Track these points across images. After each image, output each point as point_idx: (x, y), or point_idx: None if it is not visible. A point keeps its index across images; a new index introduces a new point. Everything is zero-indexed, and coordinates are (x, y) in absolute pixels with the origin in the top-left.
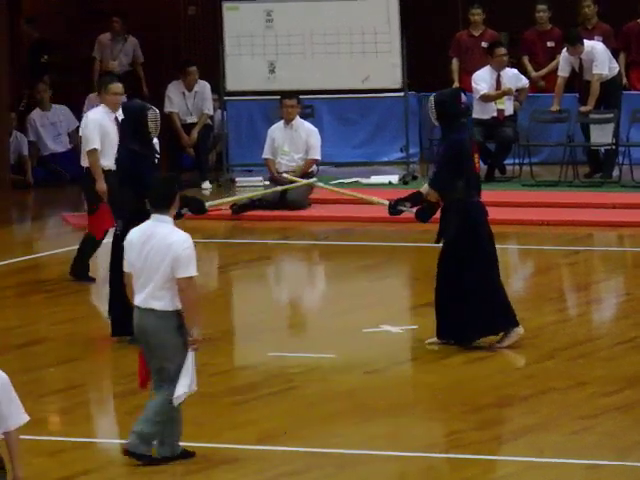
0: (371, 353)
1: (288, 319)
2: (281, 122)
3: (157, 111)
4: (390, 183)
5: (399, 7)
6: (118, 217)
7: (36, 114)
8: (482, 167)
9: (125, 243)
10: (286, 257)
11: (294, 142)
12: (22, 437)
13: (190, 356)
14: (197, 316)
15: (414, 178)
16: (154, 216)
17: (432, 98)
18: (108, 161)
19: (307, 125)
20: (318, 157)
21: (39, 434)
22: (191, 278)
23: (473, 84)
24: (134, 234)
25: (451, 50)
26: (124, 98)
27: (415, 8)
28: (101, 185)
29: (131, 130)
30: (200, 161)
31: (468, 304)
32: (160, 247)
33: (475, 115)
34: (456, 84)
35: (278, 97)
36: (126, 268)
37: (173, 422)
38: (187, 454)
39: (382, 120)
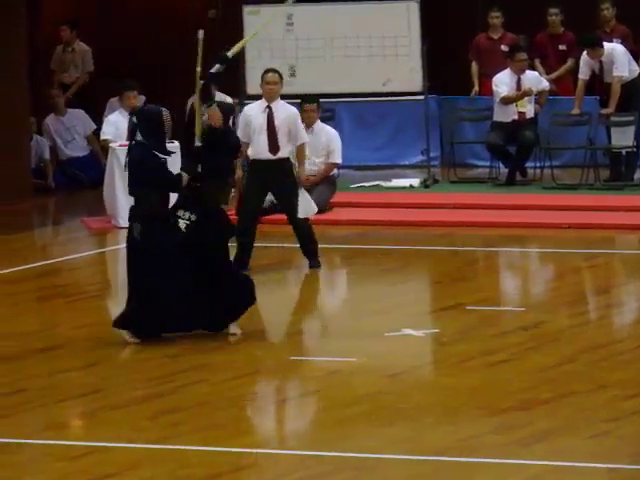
0: (393, 357)
1: (309, 323)
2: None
3: (168, 112)
4: (411, 186)
5: (419, 10)
6: (136, 220)
7: (51, 119)
8: (503, 170)
9: None
10: (306, 261)
11: (315, 146)
12: (43, 441)
13: None
14: None
15: (435, 181)
16: None
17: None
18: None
19: (327, 129)
20: (339, 161)
21: (59, 439)
22: None
23: (493, 87)
24: None
25: (470, 53)
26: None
27: (435, 11)
28: None
29: (148, 131)
30: None
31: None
32: None
33: (496, 118)
34: (476, 87)
35: (298, 101)
36: None
37: None
38: None
39: (402, 123)
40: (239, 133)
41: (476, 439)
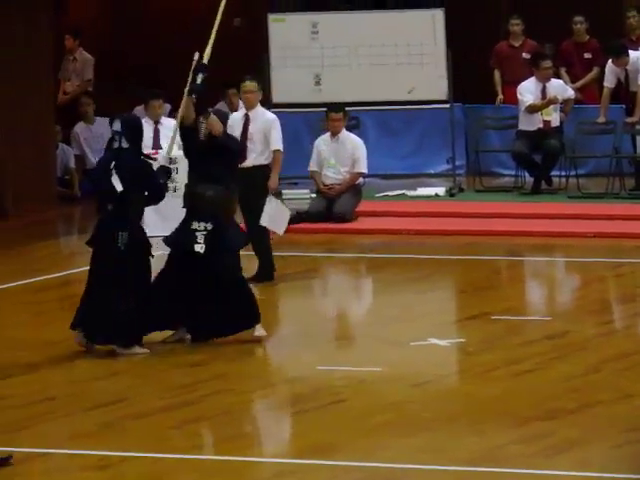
0: (418, 366)
1: (335, 332)
2: (327, 134)
3: None
4: (437, 195)
5: (444, 18)
6: (122, 229)
7: (80, 127)
8: (528, 179)
9: None
10: (332, 270)
11: (340, 155)
12: (68, 451)
13: None
14: None
15: (461, 190)
16: None
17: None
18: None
19: (353, 138)
20: (364, 170)
21: (84, 448)
22: None
23: (518, 95)
24: None
25: (492, 61)
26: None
27: (460, 19)
28: None
29: (133, 138)
30: None
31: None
32: None
33: (521, 127)
34: (500, 96)
35: (324, 109)
36: None
37: None
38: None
39: (428, 132)
40: None
41: (501, 449)
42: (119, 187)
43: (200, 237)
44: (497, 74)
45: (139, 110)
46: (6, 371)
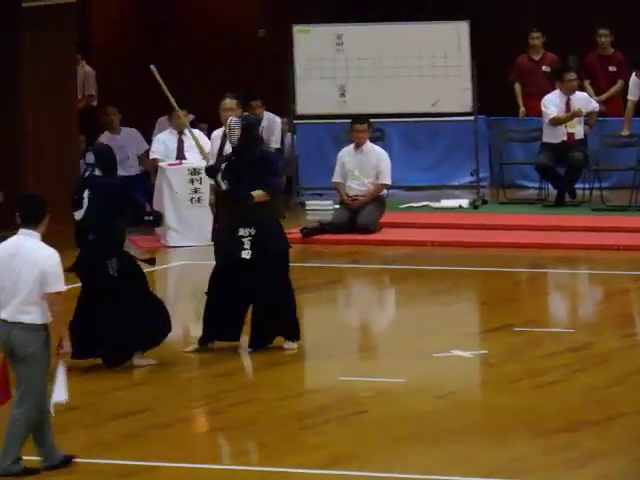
0: (441, 377)
1: (358, 343)
2: (351, 146)
3: None
4: (460, 207)
5: (469, 30)
6: (112, 255)
7: (105, 137)
8: (552, 191)
9: None
10: (355, 281)
11: (364, 167)
12: (92, 460)
13: (61, 367)
14: (65, 329)
15: (484, 202)
16: (22, 231)
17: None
18: None
19: (377, 149)
20: (388, 182)
21: (108, 457)
22: (60, 293)
23: (543, 108)
24: (1, 249)
25: (512, 74)
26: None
27: (485, 31)
28: None
29: (107, 169)
30: None
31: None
32: (28, 262)
33: (545, 139)
34: (522, 108)
35: (348, 121)
36: None
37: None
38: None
39: (452, 144)
40: None
41: (524, 460)
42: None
43: (246, 243)
44: (518, 87)
45: (162, 121)
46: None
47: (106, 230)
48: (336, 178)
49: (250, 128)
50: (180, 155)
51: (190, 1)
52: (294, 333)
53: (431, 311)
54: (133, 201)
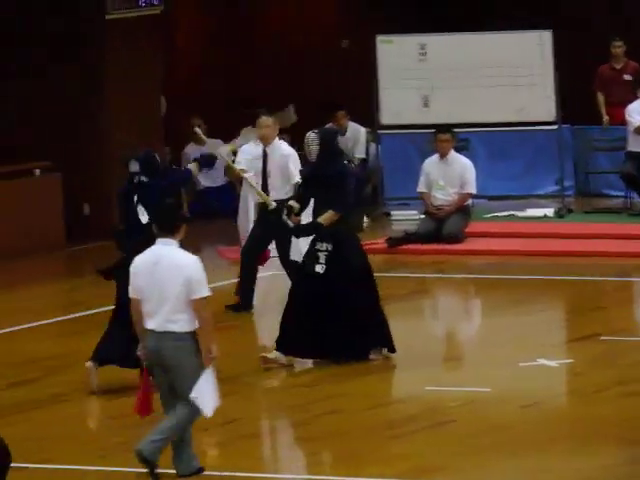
0: (527, 387)
1: (444, 353)
2: (436, 156)
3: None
4: (545, 216)
5: (552, 39)
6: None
7: (191, 149)
8: (637, 200)
9: (132, 269)
10: (441, 290)
11: (449, 176)
12: None
13: (212, 373)
14: (213, 334)
15: (569, 211)
16: (160, 240)
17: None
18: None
19: (462, 159)
20: (473, 191)
21: None
22: (205, 298)
23: (627, 117)
24: (139, 261)
25: (595, 84)
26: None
27: (568, 40)
28: None
29: (153, 174)
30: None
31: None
32: (171, 270)
33: (630, 148)
34: (605, 117)
35: (432, 131)
36: (132, 294)
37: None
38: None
39: (536, 153)
40: None
41: (610, 470)
42: (144, 219)
43: (322, 257)
44: (600, 96)
45: (247, 130)
46: (117, 391)
47: (152, 236)
48: (421, 188)
49: (329, 142)
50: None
51: (273, 14)
52: (382, 344)
53: (517, 320)
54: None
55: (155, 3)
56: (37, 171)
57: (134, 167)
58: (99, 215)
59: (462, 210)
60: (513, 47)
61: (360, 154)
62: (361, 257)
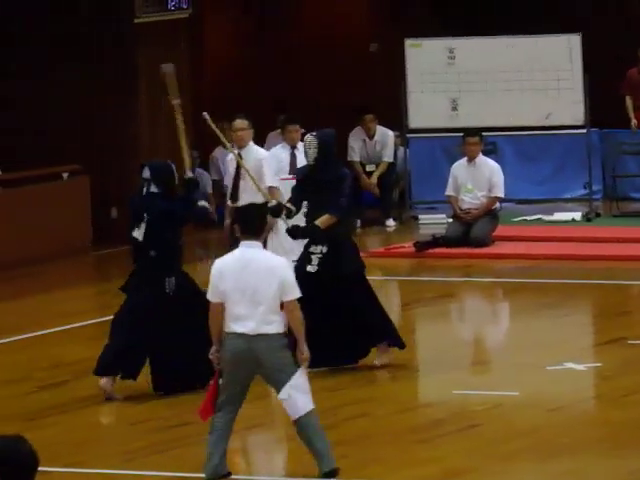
0: (554, 391)
1: (471, 357)
2: (464, 159)
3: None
4: (573, 220)
5: (581, 44)
6: (167, 275)
7: (219, 152)
8: None
9: (215, 272)
10: (469, 294)
11: (477, 180)
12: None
13: (304, 372)
14: (303, 334)
15: (597, 215)
16: (245, 242)
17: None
18: (247, 195)
19: (490, 162)
20: (501, 195)
21: None
22: (297, 299)
23: None
24: (224, 264)
25: (623, 88)
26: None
27: (597, 43)
28: None
29: (163, 184)
30: (384, 199)
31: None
32: (263, 272)
33: None
34: (633, 121)
35: (460, 134)
36: (215, 297)
37: None
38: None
39: (564, 157)
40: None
41: (638, 474)
42: (140, 237)
43: (315, 259)
44: (629, 100)
45: (274, 135)
46: (146, 395)
47: (166, 249)
48: (449, 191)
49: (326, 145)
50: (292, 169)
51: (302, 18)
52: (389, 342)
53: (544, 324)
54: (188, 220)
55: (184, 6)
56: (65, 174)
57: (146, 173)
58: (127, 219)
59: (490, 214)
60: (542, 51)
61: (389, 158)
62: (354, 263)
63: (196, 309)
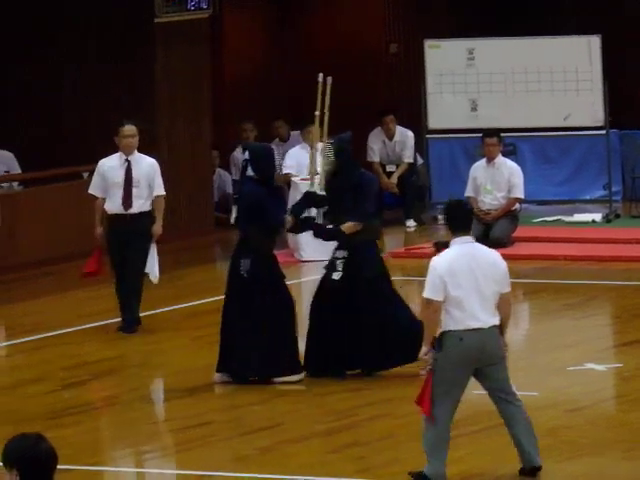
0: (575, 391)
1: None
2: (483, 160)
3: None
4: (593, 221)
5: (601, 45)
6: (244, 256)
7: (239, 152)
8: None
9: (442, 270)
10: None
11: (496, 181)
12: (227, 474)
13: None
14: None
15: (617, 216)
16: (461, 239)
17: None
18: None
19: (509, 163)
20: (521, 196)
21: (243, 471)
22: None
23: None
24: (451, 261)
25: None
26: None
27: (616, 45)
28: None
29: (259, 169)
30: (404, 199)
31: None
32: (486, 266)
33: None
34: None
35: (480, 135)
36: (438, 296)
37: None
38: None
39: (584, 158)
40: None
41: None
42: (232, 218)
43: (339, 265)
44: None
45: (296, 135)
46: (166, 395)
47: (245, 233)
48: (468, 192)
49: (344, 150)
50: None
51: (321, 18)
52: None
53: (565, 325)
54: (267, 215)
55: (204, 7)
56: (85, 174)
57: (245, 155)
58: None
59: (510, 215)
60: (561, 52)
61: (409, 159)
62: (376, 268)
63: (268, 294)
